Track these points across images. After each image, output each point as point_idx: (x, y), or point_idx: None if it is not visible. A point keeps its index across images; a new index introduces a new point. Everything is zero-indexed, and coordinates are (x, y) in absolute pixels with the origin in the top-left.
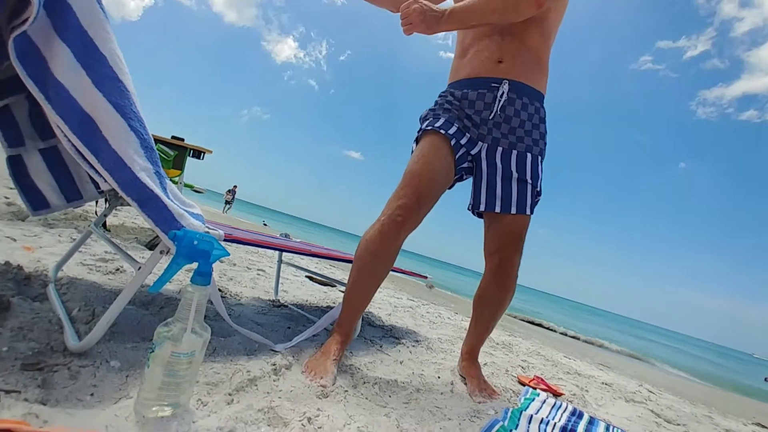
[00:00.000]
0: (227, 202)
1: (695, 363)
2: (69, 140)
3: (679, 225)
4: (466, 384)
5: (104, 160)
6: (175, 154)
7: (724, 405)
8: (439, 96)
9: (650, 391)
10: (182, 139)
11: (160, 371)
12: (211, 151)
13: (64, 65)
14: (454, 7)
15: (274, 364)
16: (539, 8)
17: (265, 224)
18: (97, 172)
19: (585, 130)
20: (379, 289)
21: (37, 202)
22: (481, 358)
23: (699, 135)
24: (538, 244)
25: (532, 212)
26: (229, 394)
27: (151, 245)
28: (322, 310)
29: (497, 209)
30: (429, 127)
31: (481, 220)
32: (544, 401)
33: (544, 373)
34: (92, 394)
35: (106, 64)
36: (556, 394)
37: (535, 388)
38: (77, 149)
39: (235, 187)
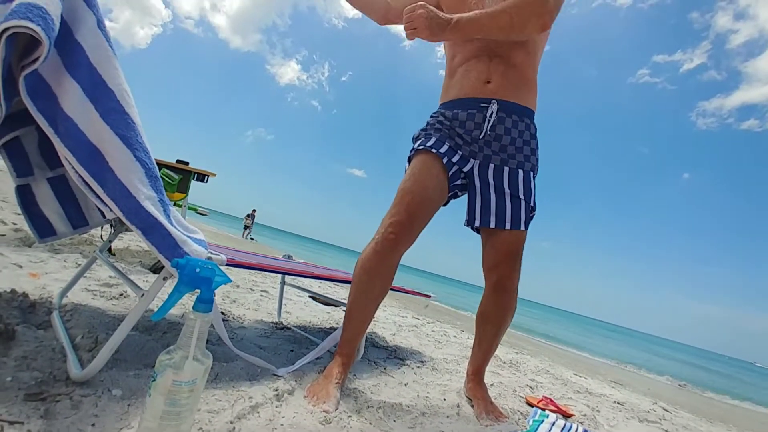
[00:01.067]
0: (246, 227)
1: (707, 377)
2: (76, 171)
3: (684, 235)
4: (472, 406)
5: (110, 189)
6: (180, 177)
7: (741, 422)
8: (431, 116)
9: (665, 410)
10: (187, 163)
11: (162, 400)
12: (215, 174)
13: (74, 101)
14: (461, 17)
15: (276, 390)
16: (543, 31)
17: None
18: (103, 201)
19: (587, 143)
20: (383, 308)
21: (44, 229)
22: (488, 378)
23: (700, 145)
24: (540, 258)
25: (526, 228)
26: (231, 422)
27: (155, 269)
28: (326, 332)
29: (492, 225)
30: (421, 147)
31: (479, 236)
32: (554, 423)
33: (554, 393)
34: (93, 425)
35: (114, 99)
36: (566, 415)
37: (543, 410)
38: (84, 180)
39: (254, 211)
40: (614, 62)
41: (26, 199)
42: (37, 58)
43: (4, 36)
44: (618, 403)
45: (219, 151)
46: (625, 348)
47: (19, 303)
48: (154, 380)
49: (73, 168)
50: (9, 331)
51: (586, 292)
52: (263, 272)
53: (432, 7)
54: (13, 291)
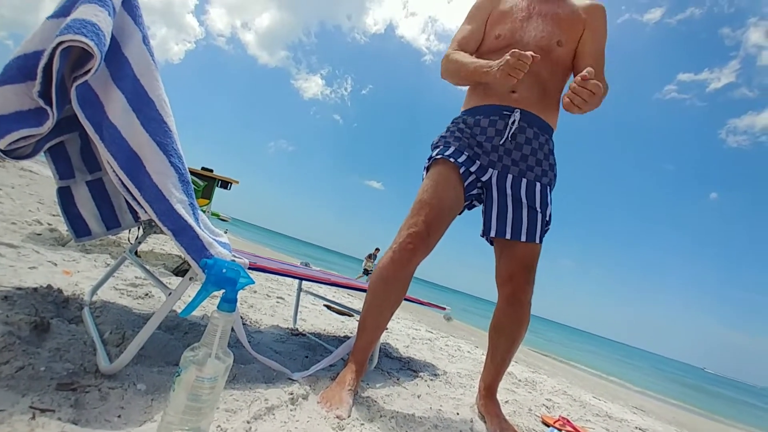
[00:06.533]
0: (366, 271)
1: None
2: (117, 175)
3: (710, 257)
4: (485, 422)
5: (146, 192)
6: (205, 184)
7: None
8: (452, 123)
9: None
10: (211, 170)
11: (185, 395)
12: (237, 182)
13: (118, 109)
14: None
15: (291, 393)
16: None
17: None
18: (139, 203)
19: (610, 158)
20: (396, 320)
21: (81, 229)
22: (503, 395)
23: (730, 164)
24: (560, 276)
25: (541, 241)
26: (248, 422)
27: (178, 271)
28: (340, 340)
29: (507, 236)
30: (439, 156)
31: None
32: None
33: (571, 414)
34: (119, 416)
35: (154, 108)
36: None
37: (560, 430)
38: (123, 183)
39: (377, 250)
40: (640, 78)
41: (66, 200)
42: (88, 70)
43: (60, 48)
44: (639, 429)
45: (242, 161)
46: (648, 373)
47: (54, 298)
48: (179, 375)
49: (114, 172)
50: (44, 323)
51: (607, 312)
52: (279, 280)
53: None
54: (49, 286)
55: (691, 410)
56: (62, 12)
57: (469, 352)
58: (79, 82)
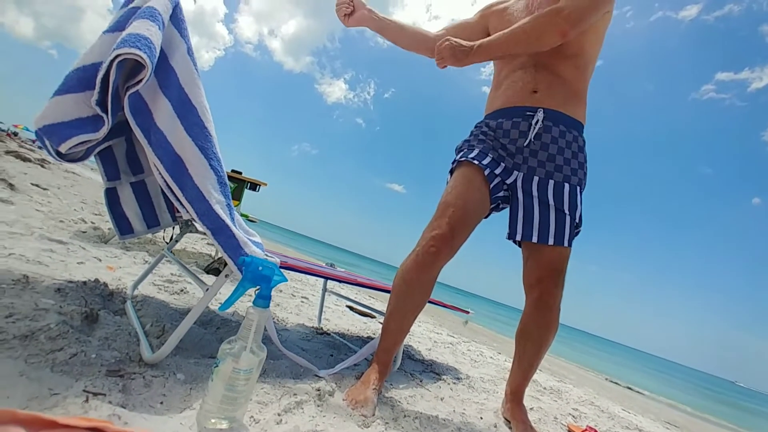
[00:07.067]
0: None
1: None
2: (162, 177)
3: (752, 267)
4: (510, 428)
5: (188, 193)
6: (235, 186)
7: None
8: (475, 126)
9: None
10: (240, 173)
11: (222, 385)
12: (266, 184)
13: (165, 116)
14: (483, 41)
15: (318, 389)
16: (563, 38)
17: None
18: (181, 203)
19: (644, 161)
20: (417, 324)
21: (124, 228)
22: (527, 403)
23: None
24: (587, 282)
25: (570, 244)
26: (278, 414)
27: (208, 269)
28: (363, 340)
29: (534, 239)
30: (463, 158)
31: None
32: None
33: (599, 425)
34: (162, 403)
35: (196, 114)
36: None
37: None
38: (167, 184)
39: None
40: (675, 78)
41: (112, 200)
42: (140, 80)
43: (116, 61)
44: None
45: (267, 164)
46: (677, 386)
47: (101, 291)
48: (217, 366)
49: (160, 174)
50: (93, 314)
51: (634, 321)
52: (303, 280)
53: (455, 39)
54: (96, 280)
55: (726, 426)
56: (117, 27)
57: (491, 357)
58: (131, 91)
